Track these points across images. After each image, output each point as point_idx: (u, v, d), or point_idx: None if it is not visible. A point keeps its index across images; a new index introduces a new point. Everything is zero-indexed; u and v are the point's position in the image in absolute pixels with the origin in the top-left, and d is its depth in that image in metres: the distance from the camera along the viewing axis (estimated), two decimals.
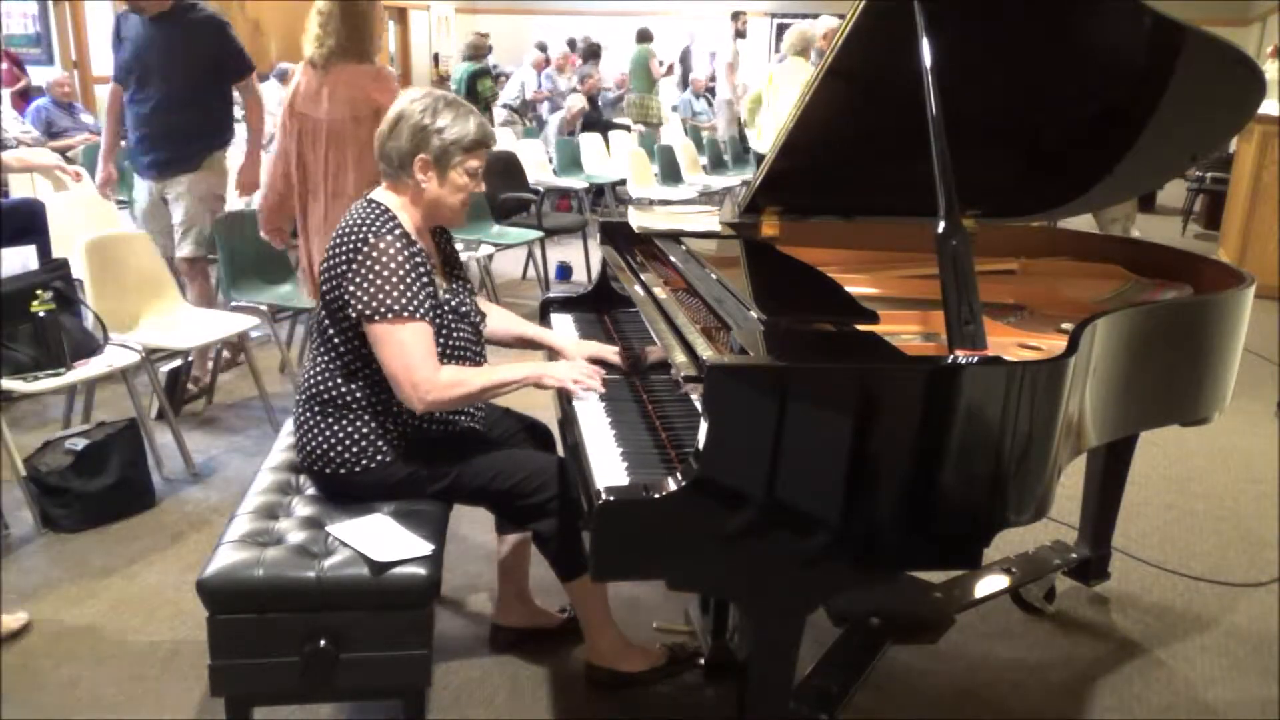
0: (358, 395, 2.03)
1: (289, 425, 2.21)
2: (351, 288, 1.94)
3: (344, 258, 1.96)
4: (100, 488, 2.99)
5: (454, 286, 2.17)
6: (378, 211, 2.00)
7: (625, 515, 1.53)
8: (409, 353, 1.93)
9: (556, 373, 2.05)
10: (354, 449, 2.03)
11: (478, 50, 8.93)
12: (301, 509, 2.05)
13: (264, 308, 3.96)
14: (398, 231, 1.98)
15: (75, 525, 2.95)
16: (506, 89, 10.05)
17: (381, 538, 1.90)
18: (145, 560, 2.82)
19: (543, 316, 2.69)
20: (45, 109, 7.08)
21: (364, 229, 1.96)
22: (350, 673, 1.83)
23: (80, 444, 3.01)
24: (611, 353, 2.23)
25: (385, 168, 2.05)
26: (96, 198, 4.59)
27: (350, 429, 2.03)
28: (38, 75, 8.13)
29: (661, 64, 11.03)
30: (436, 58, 15.77)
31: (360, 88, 3.17)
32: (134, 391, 3.31)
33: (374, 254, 1.93)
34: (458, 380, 1.99)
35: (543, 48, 10.86)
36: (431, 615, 1.87)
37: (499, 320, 2.39)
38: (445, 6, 15.96)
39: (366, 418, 2.03)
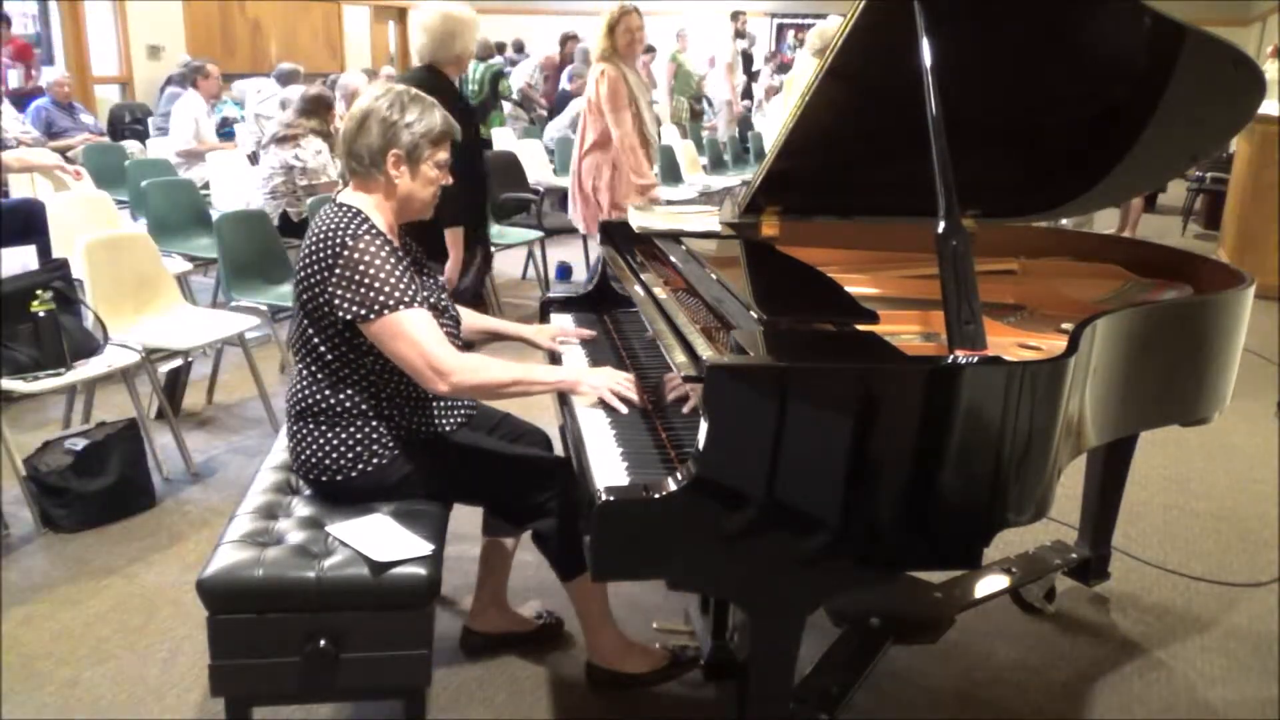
0: (346, 404, 2.02)
1: (287, 451, 2.20)
2: (340, 292, 1.91)
3: (324, 264, 1.93)
4: (100, 488, 2.99)
5: (429, 284, 2.15)
6: (350, 214, 1.97)
7: (625, 515, 1.53)
8: (420, 339, 1.91)
9: (593, 382, 1.98)
10: (349, 455, 2.02)
11: (489, 51, 8.97)
12: (301, 509, 2.05)
13: (264, 308, 3.96)
14: (373, 231, 1.96)
15: (75, 525, 2.95)
16: (514, 79, 10.07)
17: (381, 538, 1.90)
18: (145, 560, 2.82)
19: (543, 316, 2.69)
20: (45, 109, 7.08)
21: (339, 233, 1.93)
22: (350, 673, 1.83)
23: (80, 444, 3.02)
24: (582, 334, 2.27)
25: (355, 166, 2.01)
26: (96, 197, 4.59)
27: (344, 435, 2.02)
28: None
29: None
30: None
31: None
32: (134, 391, 3.31)
33: (355, 255, 1.91)
34: (483, 364, 1.99)
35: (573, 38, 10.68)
36: (431, 615, 1.87)
37: (463, 318, 2.35)
38: None
39: (359, 424, 2.02)
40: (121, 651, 2.40)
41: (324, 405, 2.02)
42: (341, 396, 2.02)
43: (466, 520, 2.40)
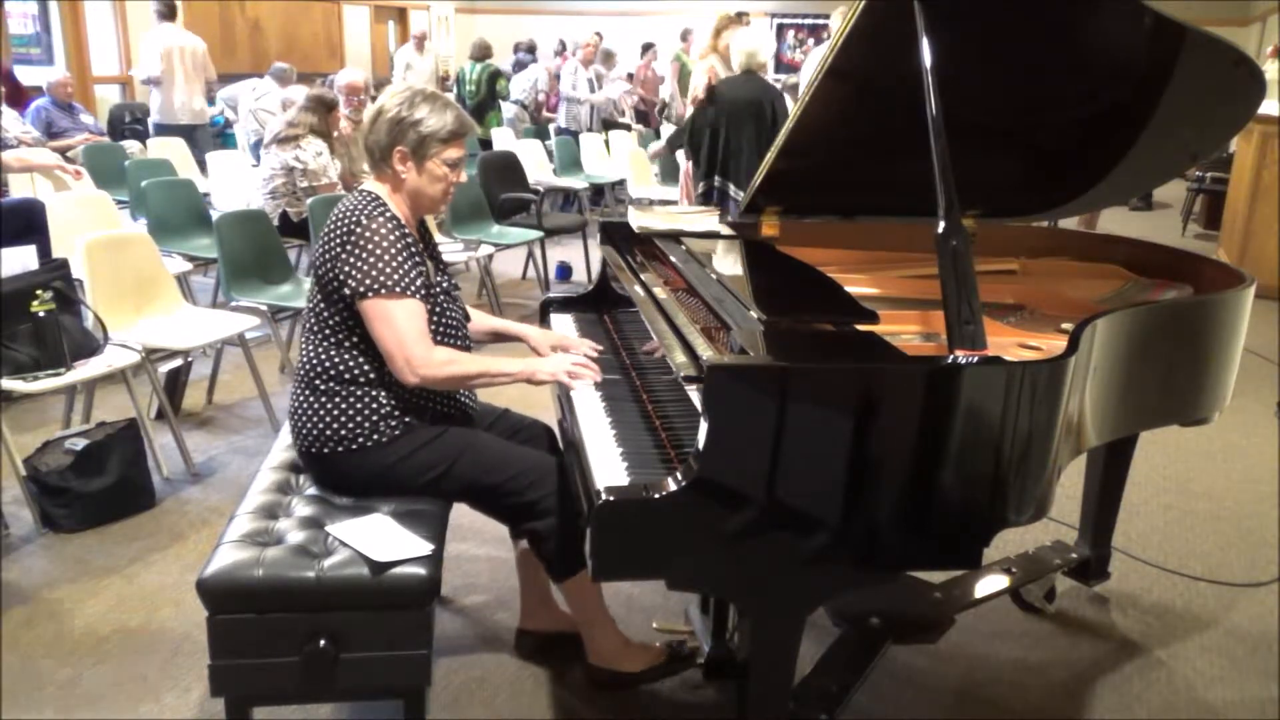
0: (350, 366, 2.05)
1: (288, 426, 2.22)
2: (347, 268, 1.99)
3: (338, 240, 2.02)
4: (100, 488, 2.99)
5: (443, 274, 2.21)
6: (369, 198, 2.07)
7: (625, 515, 1.53)
8: (402, 328, 1.97)
9: (548, 366, 2.08)
10: (349, 424, 2.04)
11: (486, 51, 8.98)
12: (301, 509, 2.05)
13: (264, 307, 3.96)
14: (389, 214, 2.04)
15: (75, 525, 2.95)
16: (516, 83, 10.06)
17: (381, 538, 1.90)
18: (145, 560, 2.82)
19: (543, 316, 2.69)
20: (45, 109, 7.07)
21: (357, 213, 2.03)
22: (350, 673, 1.83)
23: (80, 444, 3.01)
24: (585, 346, 2.25)
25: (370, 160, 2.12)
26: (96, 197, 4.59)
27: (344, 404, 2.04)
28: (38, 75, 8.14)
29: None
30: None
31: None
32: (134, 392, 3.31)
33: (366, 234, 1.99)
34: (451, 359, 2.04)
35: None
36: (431, 615, 1.87)
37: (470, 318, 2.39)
38: (445, 6, 15.96)
39: (360, 392, 2.05)
40: (121, 651, 2.40)
41: (327, 366, 2.06)
42: (346, 359, 2.06)
43: (467, 520, 2.40)
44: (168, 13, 7.69)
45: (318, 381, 2.07)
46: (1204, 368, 2.18)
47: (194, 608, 1.87)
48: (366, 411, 2.05)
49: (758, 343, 1.61)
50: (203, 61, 7.78)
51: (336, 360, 2.06)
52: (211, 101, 9.06)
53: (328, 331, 2.07)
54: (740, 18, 10.47)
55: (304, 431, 2.09)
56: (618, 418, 1.95)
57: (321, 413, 2.06)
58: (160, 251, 3.81)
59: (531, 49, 11.66)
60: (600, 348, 2.26)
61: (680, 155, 8.61)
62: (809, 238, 2.55)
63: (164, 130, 7.66)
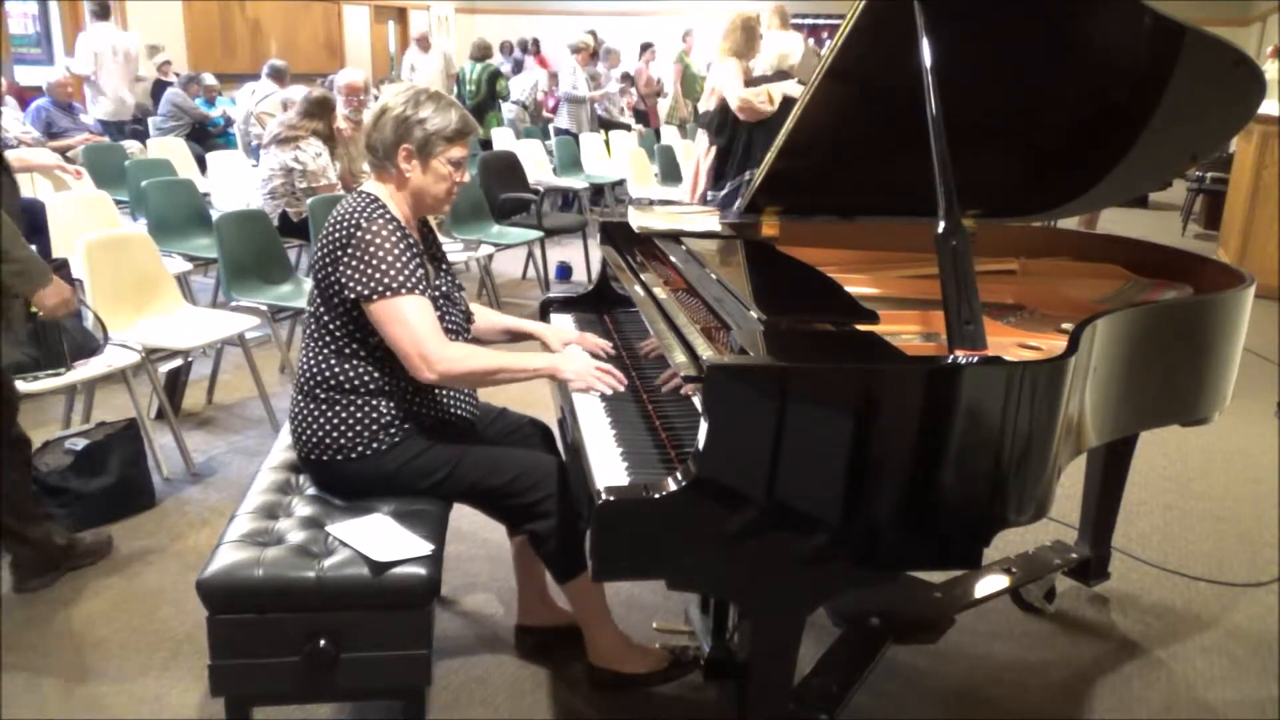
0: (351, 376, 2.04)
1: (289, 429, 2.22)
2: (349, 271, 1.97)
3: (338, 244, 2.00)
4: (100, 488, 2.99)
5: (443, 277, 2.20)
6: (368, 200, 2.05)
7: (625, 515, 1.53)
8: (414, 326, 1.96)
9: (574, 366, 2.04)
10: (349, 433, 2.03)
11: (486, 51, 8.99)
12: (301, 509, 2.05)
13: (264, 307, 3.96)
14: (387, 216, 2.03)
15: (75, 525, 2.94)
16: (516, 83, 10.06)
17: (381, 538, 1.90)
18: (145, 560, 2.82)
19: (543, 316, 2.69)
20: (45, 109, 7.08)
21: (356, 215, 2.01)
22: (350, 673, 1.83)
23: (80, 444, 3.02)
24: (597, 345, 2.24)
25: (372, 159, 2.10)
26: (96, 197, 4.59)
27: (344, 414, 2.04)
28: (38, 75, 8.16)
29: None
30: None
31: None
32: (134, 391, 3.31)
33: (366, 237, 1.97)
34: (469, 353, 2.03)
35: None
36: (431, 615, 1.87)
37: (481, 317, 2.39)
38: (445, 6, 15.97)
39: (360, 401, 2.04)
40: (121, 651, 2.40)
41: (328, 375, 2.05)
42: (347, 368, 2.05)
43: (467, 520, 2.40)
44: (101, 12, 8.05)
45: (318, 390, 2.06)
46: (1204, 368, 2.18)
47: (194, 608, 1.87)
48: (366, 421, 2.04)
49: (758, 343, 1.61)
50: (135, 60, 8.22)
51: (336, 370, 2.05)
52: (211, 104, 9.13)
53: (328, 339, 2.06)
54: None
55: (304, 439, 2.08)
56: (618, 418, 1.95)
57: (321, 421, 2.05)
58: (160, 251, 3.81)
59: (525, 48, 11.67)
60: (610, 349, 2.25)
61: (694, 148, 8.66)
62: (809, 238, 2.55)
63: (105, 125, 7.94)
